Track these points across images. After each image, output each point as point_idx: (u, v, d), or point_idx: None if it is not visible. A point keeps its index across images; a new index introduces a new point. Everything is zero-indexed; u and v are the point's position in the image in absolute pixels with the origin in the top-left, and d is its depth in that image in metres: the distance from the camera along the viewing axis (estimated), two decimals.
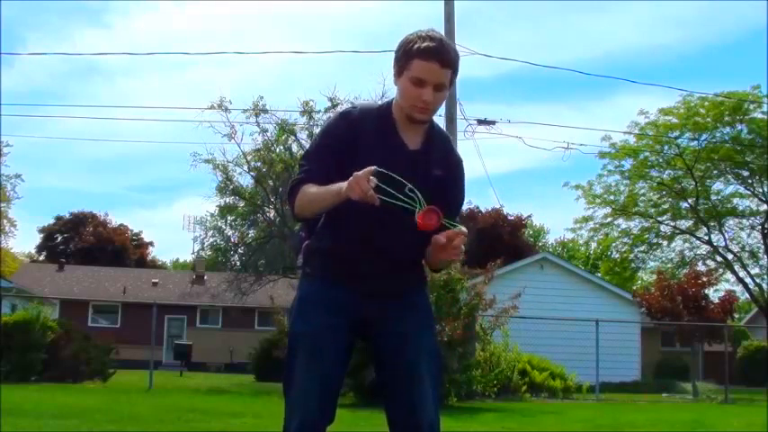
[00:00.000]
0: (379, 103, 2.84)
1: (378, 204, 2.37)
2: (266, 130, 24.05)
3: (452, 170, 2.78)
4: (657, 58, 70.56)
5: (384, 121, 2.70)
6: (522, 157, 66.34)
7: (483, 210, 34.69)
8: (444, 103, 16.88)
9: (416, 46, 2.58)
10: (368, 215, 2.53)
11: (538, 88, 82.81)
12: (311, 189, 2.60)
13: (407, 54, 2.60)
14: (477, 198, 36.42)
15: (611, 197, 31.87)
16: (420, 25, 2.69)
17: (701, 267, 28.29)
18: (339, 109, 2.97)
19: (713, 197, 30.81)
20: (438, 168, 2.71)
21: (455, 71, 2.65)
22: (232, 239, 27.18)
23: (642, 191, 31.80)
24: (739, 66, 71.10)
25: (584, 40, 69.39)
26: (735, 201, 31.04)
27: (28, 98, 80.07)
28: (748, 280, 30.92)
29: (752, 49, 68.72)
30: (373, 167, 2.38)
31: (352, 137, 2.66)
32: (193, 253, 34.17)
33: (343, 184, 2.42)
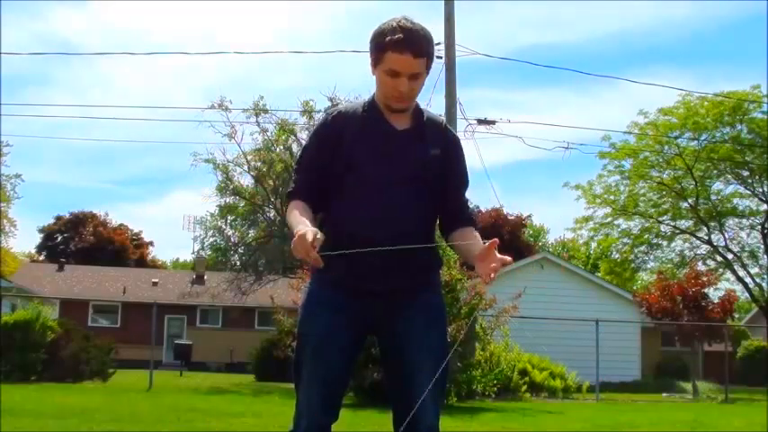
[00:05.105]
0: (363, 98, 2.86)
1: (320, 264, 2.42)
2: (266, 130, 24.09)
3: (450, 148, 2.80)
4: (671, 33, 69.76)
5: (370, 111, 2.74)
6: (522, 155, 66.24)
7: (483, 209, 34.72)
8: (444, 103, 16.57)
9: (388, 38, 2.59)
10: (369, 214, 2.56)
11: (539, 79, 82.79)
12: (293, 215, 2.62)
13: (380, 47, 2.62)
14: (477, 197, 36.44)
15: (612, 197, 31.89)
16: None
17: (700, 267, 28.28)
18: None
19: (713, 197, 30.83)
20: (435, 147, 2.74)
21: (430, 58, 2.68)
22: (232, 239, 27.18)
23: (642, 191, 31.81)
24: (740, 57, 70.89)
25: (591, 19, 68.35)
26: (735, 201, 31.10)
27: (22, 93, 79.99)
28: (748, 280, 30.97)
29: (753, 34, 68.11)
30: (318, 235, 2.39)
31: (336, 132, 2.71)
32: (193, 253, 34.23)
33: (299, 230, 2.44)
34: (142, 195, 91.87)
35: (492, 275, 2.46)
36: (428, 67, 2.69)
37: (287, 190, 2.79)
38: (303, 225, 2.48)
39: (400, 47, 2.58)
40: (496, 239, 2.53)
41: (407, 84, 2.62)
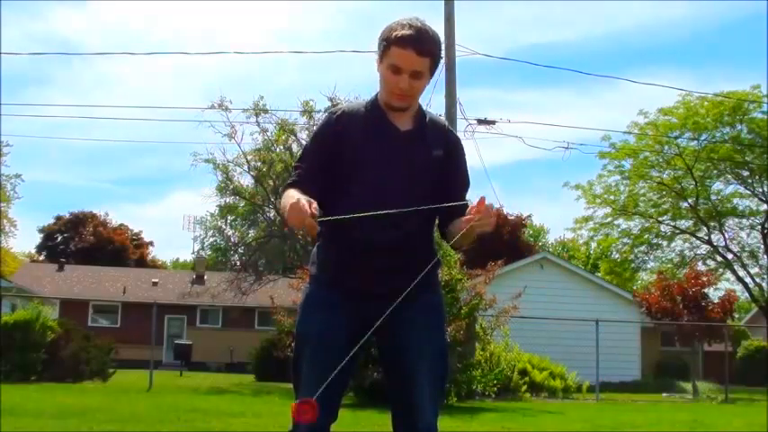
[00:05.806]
0: (364, 98, 2.87)
1: (316, 231, 2.44)
2: (266, 130, 24.10)
3: (452, 150, 2.81)
4: (671, 33, 69.67)
5: (372, 111, 2.74)
6: (522, 155, 66.32)
7: None
8: (444, 103, 16.54)
9: (394, 34, 2.61)
10: (369, 219, 2.55)
11: (539, 79, 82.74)
12: (287, 193, 2.60)
13: (386, 42, 2.64)
14: (477, 197, 36.29)
15: (612, 197, 31.90)
16: None
17: (700, 267, 28.30)
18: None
19: (713, 197, 30.83)
20: (437, 149, 2.75)
21: (434, 60, 2.68)
22: (232, 239, 27.19)
23: (642, 191, 31.82)
24: (740, 57, 70.77)
25: (591, 18, 68.33)
26: (735, 201, 31.11)
27: (22, 93, 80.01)
28: (748, 280, 30.97)
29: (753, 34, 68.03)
30: (314, 205, 2.40)
31: (340, 132, 2.71)
32: (193, 253, 34.23)
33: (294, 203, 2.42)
34: (142, 195, 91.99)
35: (475, 217, 2.47)
36: (432, 70, 2.69)
37: (286, 183, 2.75)
38: (296, 196, 2.47)
39: (404, 42, 2.59)
40: (484, 197, 2.51)
41: (408, 81, 2.63)
